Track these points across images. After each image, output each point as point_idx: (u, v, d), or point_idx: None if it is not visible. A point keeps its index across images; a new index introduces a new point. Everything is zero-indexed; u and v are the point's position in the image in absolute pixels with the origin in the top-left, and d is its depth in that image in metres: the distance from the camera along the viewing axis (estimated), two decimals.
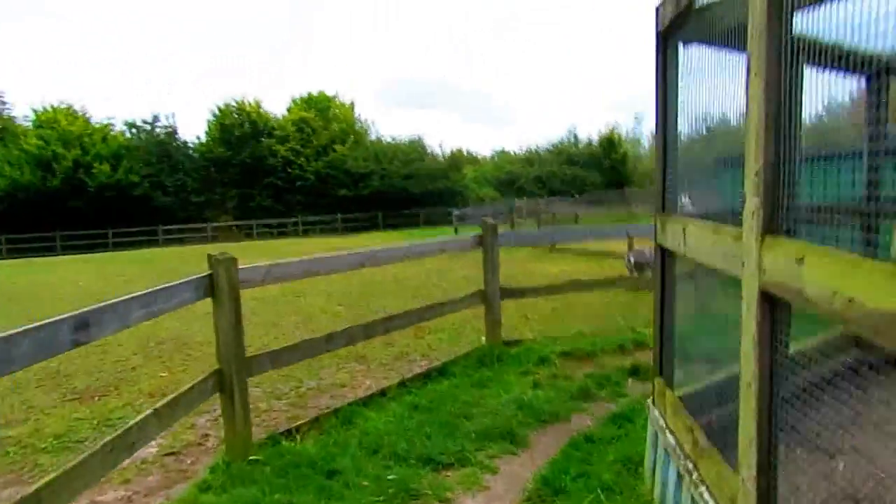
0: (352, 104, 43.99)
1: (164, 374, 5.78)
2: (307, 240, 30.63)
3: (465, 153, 51.65)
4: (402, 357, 6.07)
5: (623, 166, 42.12)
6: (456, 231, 18.38)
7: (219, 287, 3.45)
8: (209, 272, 3.45)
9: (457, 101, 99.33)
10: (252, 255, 15.50)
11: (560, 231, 6.92)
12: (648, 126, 73.78)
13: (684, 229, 2.31)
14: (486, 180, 44.48)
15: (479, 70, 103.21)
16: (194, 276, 3.40)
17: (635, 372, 4.96)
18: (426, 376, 5.02)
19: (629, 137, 50.72)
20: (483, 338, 5.99)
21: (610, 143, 42.37)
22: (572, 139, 44.31)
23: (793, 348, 1.52)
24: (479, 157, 53.64)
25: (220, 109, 40.54)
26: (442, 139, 66.37)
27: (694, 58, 2.33)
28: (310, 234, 36.33)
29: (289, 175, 39.70)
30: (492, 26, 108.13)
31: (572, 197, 30.59)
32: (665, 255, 2.76)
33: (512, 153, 46.86)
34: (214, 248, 4.58)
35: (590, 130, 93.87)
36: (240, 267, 3.56)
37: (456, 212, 18.67)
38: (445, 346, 6.35)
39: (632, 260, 11.17)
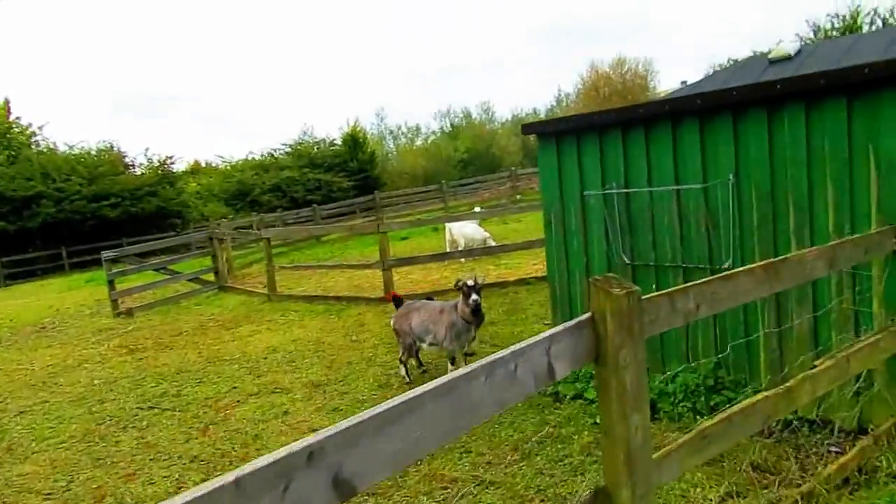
0: (5, 103, 32.28)
1: None
2: None
3: (186, 162, 42.61)
4: None
5: (372, 167, 37.49)
6: (111, 286, 11.26)
7: None
8: None
9: (193, 109, 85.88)
10: None
11: None
12: (392, 121, 69.42)
13: None
14: (213, 195, 36.29)
15: (212, 75, 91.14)
16: None
17: None
18: None
19: (374, 135, 46.69)
20: None
21: (355, 141, 37.34)
22: (310, 138, 38.33)
23: None
24: (212, 166, 44.41)
25: None
26: (148, 147, 54.51)
27: None
28: None
29: None
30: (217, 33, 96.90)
31: (310, 209, 24.41)
32: None
33: (243, 160, 38.94)
34: None
35: (328, 129, 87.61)
36: None
37: (108, 254, 11.36)
38: None
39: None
